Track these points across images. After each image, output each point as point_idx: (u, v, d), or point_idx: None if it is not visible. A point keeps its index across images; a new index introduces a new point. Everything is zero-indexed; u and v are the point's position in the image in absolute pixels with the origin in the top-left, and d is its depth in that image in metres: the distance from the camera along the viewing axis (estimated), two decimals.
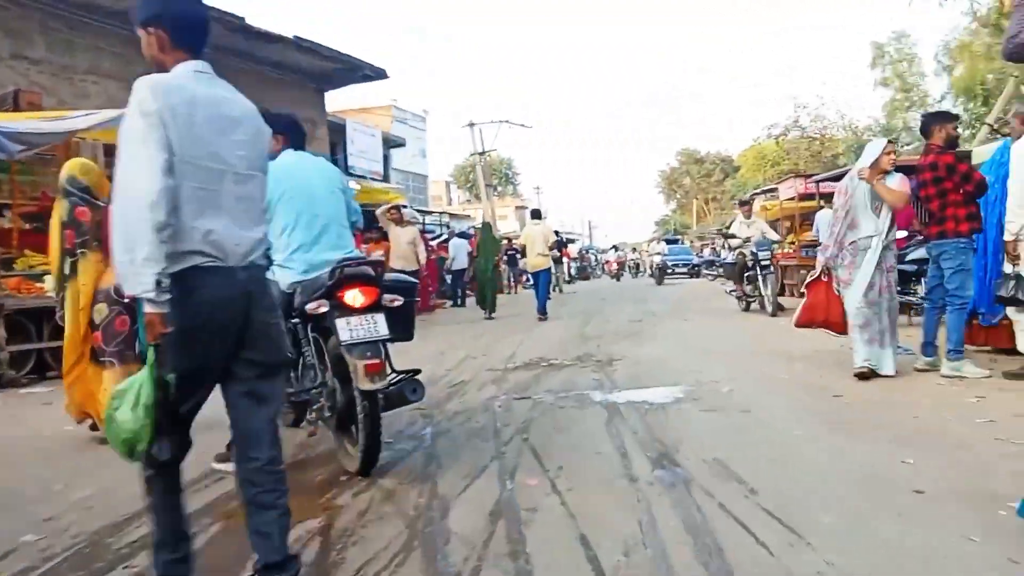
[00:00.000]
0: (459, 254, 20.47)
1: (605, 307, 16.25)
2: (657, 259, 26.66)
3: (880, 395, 5.55)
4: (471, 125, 28.82)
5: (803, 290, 6.75)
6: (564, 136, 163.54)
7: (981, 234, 6.44)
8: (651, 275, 27.87)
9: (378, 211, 11.40)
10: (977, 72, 23.21)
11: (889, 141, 6.25)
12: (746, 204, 13.97)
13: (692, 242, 50.33)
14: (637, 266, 35.64)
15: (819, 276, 6.40)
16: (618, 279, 35.75)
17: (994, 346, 6.92)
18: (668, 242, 34.50)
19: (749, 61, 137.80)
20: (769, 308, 11.33)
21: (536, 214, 15.48)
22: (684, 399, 5.76)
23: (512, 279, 24.60)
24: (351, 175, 31.54)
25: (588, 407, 5.65)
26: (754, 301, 12.31)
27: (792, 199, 16.77)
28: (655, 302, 17.02)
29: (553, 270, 19.30)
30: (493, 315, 15.03)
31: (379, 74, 19.75)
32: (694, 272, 32.32)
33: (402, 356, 4.56)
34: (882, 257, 5.99)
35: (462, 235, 22.22)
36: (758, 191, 22.46)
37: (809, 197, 16.02)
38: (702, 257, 34.70)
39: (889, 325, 6.10)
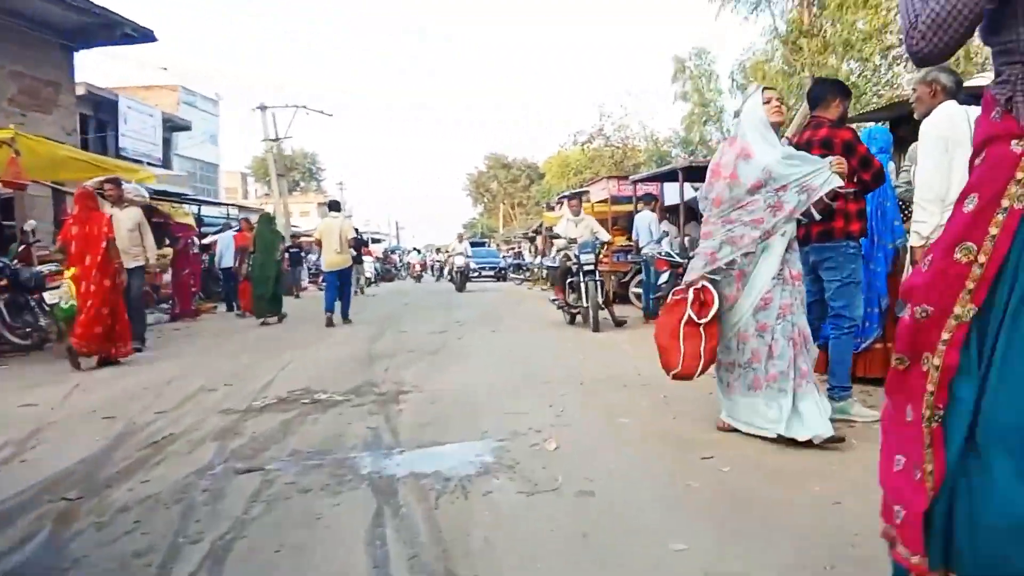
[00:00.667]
0: (226, 251, 17.41)
1: (406, 313, 14.08)
2: (459, 260, 22.01)
3: (772, 456, 3.87)
4: (262, 108, 25.56)
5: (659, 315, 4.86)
6: (370, 129, 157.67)
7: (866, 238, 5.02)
8: (450, 279, 24.51)
9: (87, 183, 8.50)
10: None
11: (766, 88, 4.52)
12: (575, 198, 11.92)
13: (499, 245, 49.57)
14: (442, 269, 33.08)
15: (682, 298, 4.42)
16: (418, 280, 34.36)
17: (865, 375, 5.55)
18: (473, 244, 32.86)
19: (559, 67, 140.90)
20: (591, 321, 9.60)
21: (334, 206, 13.09)
22: (494, 468, 3.77)
23: (295, 280, 21.57)
24: (123, 157, 27.21)
25: (348, 488, 3.51)
26: (579, 312, 10.47)
27: (604, 201, 15.56)
28: (461, 308, 15.08)
29: (354, 271, 16.95)
30: (269, 321, 12.50)
31: (144, 35, 16.29)
32: (501, 275, 31.04)
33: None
34: (785, 261, 4.21)
35: (226, 229, 19.15)
36: (566, 193, 21.33)
37: (624, 200, 14.88)
38: (508, 260, 33.55)
39: (803, 360, 4.09)
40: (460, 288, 21.38)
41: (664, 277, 9.22)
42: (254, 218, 26.45)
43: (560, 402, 5.34)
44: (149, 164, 28.89)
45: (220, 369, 7.26)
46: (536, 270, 24.36)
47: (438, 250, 24.44)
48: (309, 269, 28.21)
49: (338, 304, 11.94)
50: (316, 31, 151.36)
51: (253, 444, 4.33)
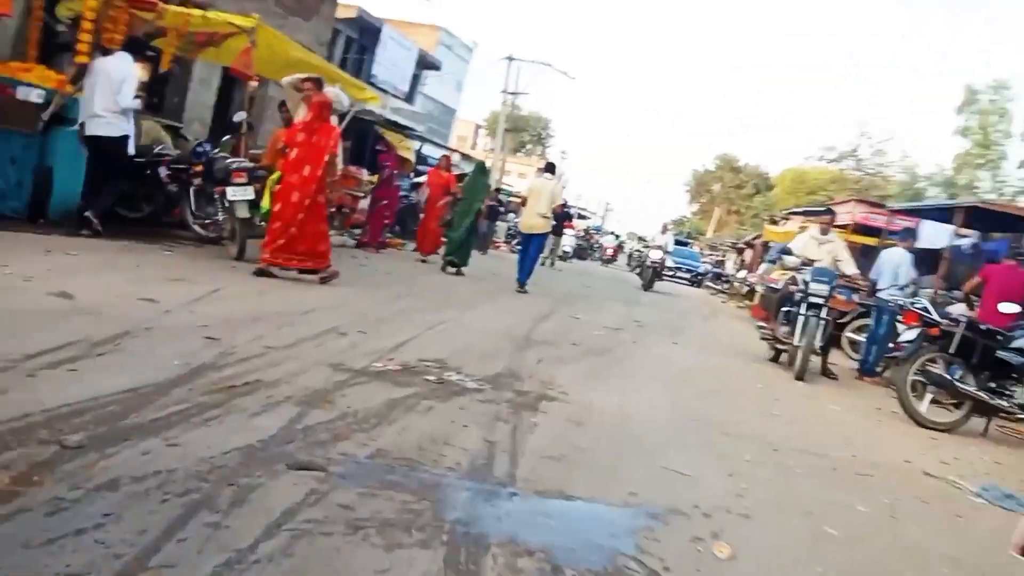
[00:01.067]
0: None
1: (585, 298, 12.84)
2: (655, 254, 18.20)
3: None
4: (509, 59, 25.16)
5: None
6: (604, 103, 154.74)
7: None
8: (636, 271, 21.31)
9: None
10: None
11: None
12: (828, 215, 9.61)
13: (702, 249, 46.84)
14: (640, 259, 31.00)
15: None
16: (606, 264, 33.15)
17: None
18: (676, 242, 30.81)
19: (818, 76, 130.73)
20: (796, 366, 7.76)
21: (550, 167, 12.04)
22: (630, 571, 2.49)
23: (488, 234, 20.83)
24: (372, 84, 28.02)
25: (414, 539, 2.37)
26: (786, 350, 8.57)
27: (844, 227, 13.30)
28: (645, 307, 13.59)
29: (549, 241, 15.94)
30: (448, 270, 11.87)
31: None
32: (696, 280, 28.94)
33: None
34: None
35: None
36: (799, 209, 18.88)
37: (870, 231, 12.61)
38: (707, 266, 31.24)
39: None
40: (647, 285, 17.97)
41: (910, 335, 7.30)
42: (459, 163, 26.24)
43: (743, 473, 3.89)
44: (393, 95, 29.71)
45: (366, 312, 6.45)
46: (737, 284, 22.15)
47: (640, 239, 22.31)
48: (508, 229, 27.76)
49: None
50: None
51: (336, 425, 3.31)
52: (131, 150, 7.94)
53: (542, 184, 11.62)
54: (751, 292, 19.84)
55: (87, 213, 7.64)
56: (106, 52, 7.75)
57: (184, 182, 8.71)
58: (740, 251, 33.93)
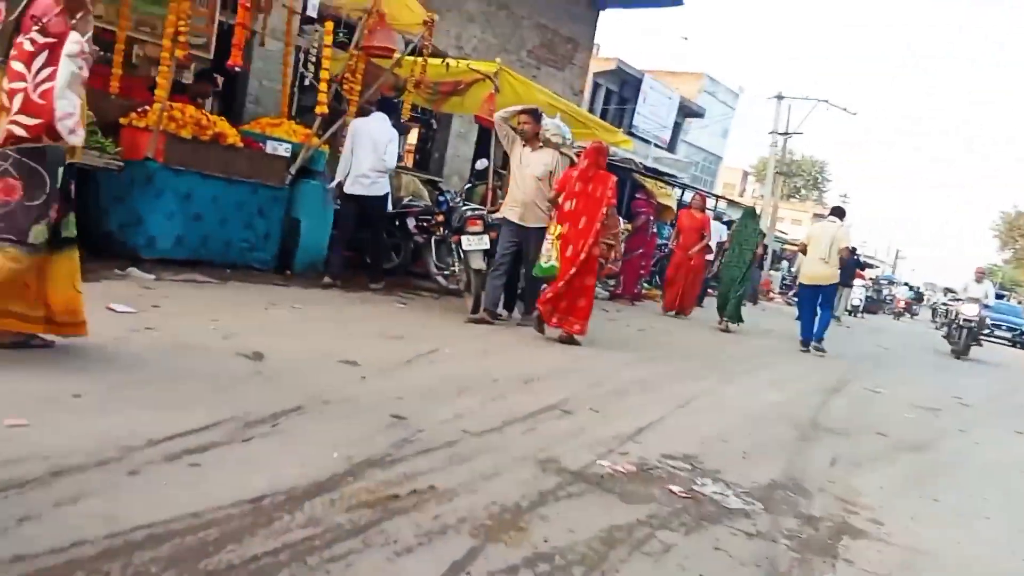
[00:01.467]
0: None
1: (883, 365, 10.47)
2: (970, 309, 13.35)
3: None
4: (779, 98, 22.95)
5: None
6: (889, 141, 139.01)
7: None
8: (945, 333, 14.94)
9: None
10: None
11: None
12: None
13: (1020, 302, 39.43)
14: (947, 315, 25.32)
15: None
16: (898, 318, 29.54)
17: None
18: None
19: None
20: None
21: (837, 211, 10.16)
22: None
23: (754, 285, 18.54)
24: (632, 134, 27.45)
25: None
26: None
27: None
28: (965, 376, 10.85)
29: (839, 292, 13.57)
30: (729, 328, 10.51)
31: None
32: (1020, 340, 23.91)
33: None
34: None
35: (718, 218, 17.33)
36: None
37: None
38: None
39: None
40: (961, 351, 13.41)
41: None
42: (727, 210, 24.27)
43: None
44: (656, 146, 28.85)
45: (605, 379, 5.29)
46: None
47: (948, 291, 18.30)
48: (783, 278, 25.23)
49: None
50: (850, 23, 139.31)
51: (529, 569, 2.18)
52: (389, 207, 8.15)
53: (824, 228, 9.82)
54: None
55: (326, 277, 7.55)
56: (364, 113, 7.85)
57: (428, 232, 8.44)
58: None
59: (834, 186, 64.68)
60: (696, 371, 6.44)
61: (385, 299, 7.25)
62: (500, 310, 7.07)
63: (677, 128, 31.45)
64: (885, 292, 32.14)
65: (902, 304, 31.02)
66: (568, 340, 6.50)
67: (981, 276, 14.47)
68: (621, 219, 13.65)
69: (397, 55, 7.86)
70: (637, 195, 16.26)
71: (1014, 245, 51.19)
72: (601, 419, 4.14)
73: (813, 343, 9.50)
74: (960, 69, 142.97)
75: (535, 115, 6.97)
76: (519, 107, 7.08)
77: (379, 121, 7.69)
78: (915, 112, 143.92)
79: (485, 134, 15.61)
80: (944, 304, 20.35)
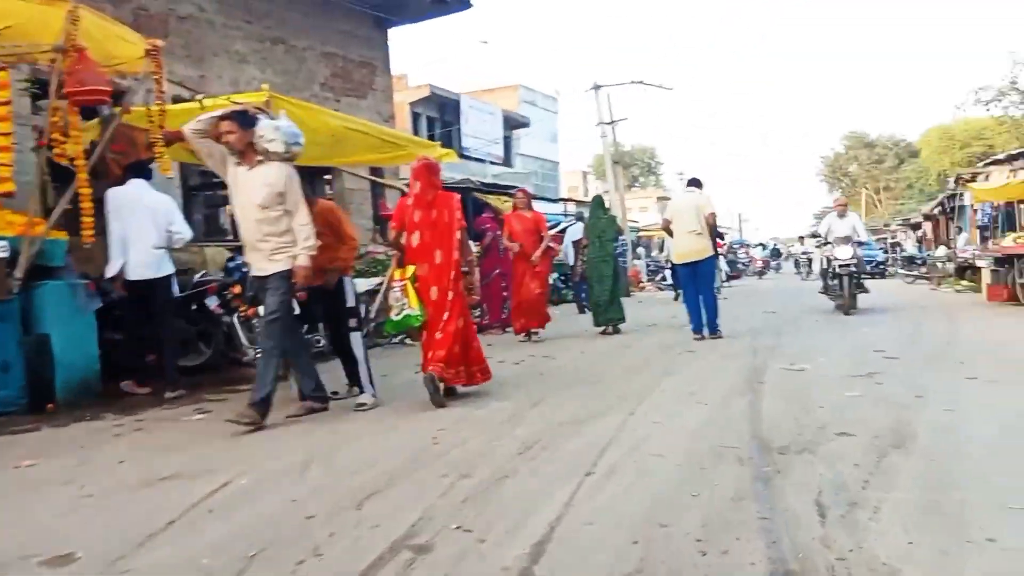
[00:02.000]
0: (567, 246, 15.18)
1: (780, 331, 9.42)
2: (844, 252, 10.73)
3: None
4: (596, 88, 22.43)
5: None
6: (709, 111, 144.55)
7: None
8: (823, 288, 12.08)
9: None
10: None
11: None
12: None
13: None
14: (809, 263, 24.15)
15: None
16: (761, 276, 29.76)
17: None
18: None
19: (938, 21, 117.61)
20: None
21: (696, 183, 9.09)
22: None
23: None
24: (465, 157, 26.33)
25: None
26: None
27: None
28: (865, 325, 9.93)
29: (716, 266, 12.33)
30: (609, 329, 9.50)
31: (460, 3, 14.04)
32: (880, 271, 24.52)
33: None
34: None
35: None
36: (1001, 155, 14.72)
37: None
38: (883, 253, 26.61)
39: None
40: (849, 305, 10.68)
41: None
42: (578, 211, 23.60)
43: None
44: (492, 163, 27.91)
45: (480, 457, 3.72)
46: (941, 265, 17.82)
47: (813, 236, 17.97)
48: (648, 265, 24.79)
49: None
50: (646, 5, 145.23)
51: None
52: (176, 289, 6.51)
53: (684, 200, 8.85)
54: (964, 269, 15.73)
55: (124, 383, 6.13)
56: (117, 182, 6.21)
57: (232, 309, 6.71)
58: (915, 227, 29.09)
59: (667, 168, 66.66)
60: (595, 404, 5.02)
61: (178, 413, 5.38)
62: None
63: (508, 142, 30.80)
64: (742, 255, 32.70)
65: (760, 263, 31.63)
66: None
67: (843, 209, 11.81)
68: (472, 242, 12.34)
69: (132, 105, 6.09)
70: (484, 213, 15.07)
71: (840, 184, 54.45)
72: (475, 546, 2.59)
73: (707, 332, 8.42)
74: (756, 32, 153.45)
75: (243, 120, 4.85)
76: (218, 112, 4.99)
77: (141, 188, 6.17)
78: (729, 79, 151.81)
79: (307, 174, 13.86)
80: (806, 253, 20.23)
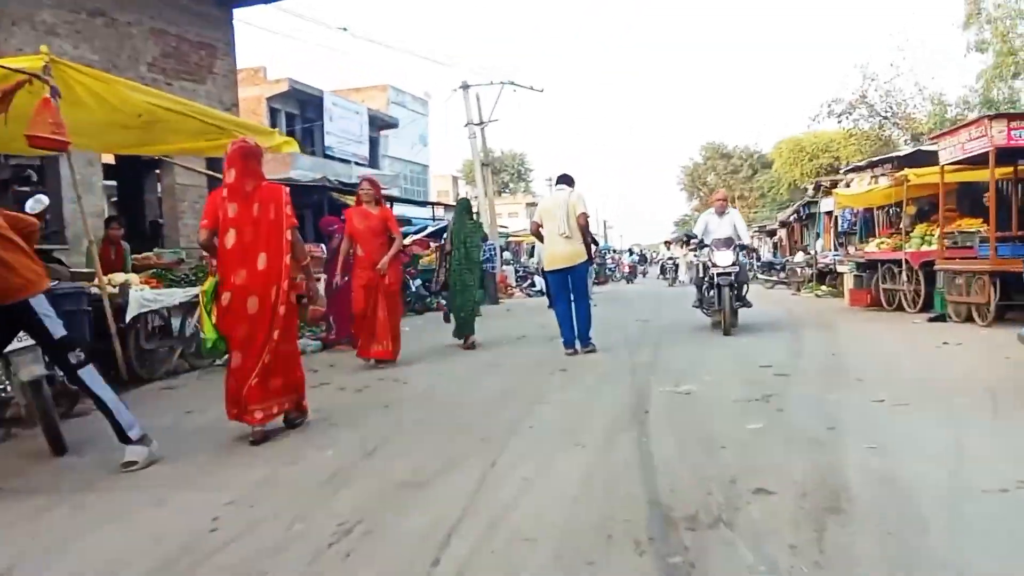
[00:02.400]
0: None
1: (656, 344, 8.75)
2: (724, 258, 8.78)
3: None
4: (464, 88, 21.37)
5: None
6: (577, 118, 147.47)
7: None
8: (698, 301, 10.06)
9: None
10: None
11: None
12: None
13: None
14: (676, 269, 24.51)
15: None
16: (629, 281, 29.83)
17: None
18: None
19: (790, 39, 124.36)
20: None
21: (567, 179, 7.96)
22: None
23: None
24: (328, 156, 24.62)
25: None
26: None
27: (960, 163, 9.38)
28: (741, 334, 9.45)
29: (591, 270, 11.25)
30: (467, 343, 8.57)
31: None
32: (782, 280, 25.08)
33: None
34: None
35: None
36: (862, 163, 14.90)
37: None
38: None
39: None
40: (729, 323, 8.74)
41: None
42: (444, 216, 22.52)
43: None
44: (357, 164, 26.29)
45: (286, 522, 2.56)
46: (801, 271, 18.05)
47: (687, 240, 17.84)
48: (516, 271, 24.06)
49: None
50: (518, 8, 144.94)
51: None
52: None
53: (555, 199, 7.91)
54: (824, 275, 15.87)
55: None
56: None
57: None
58: (771, 233, 29.99)
59: (537, 174, 66.82)
60: (448, 448, 3.92)
61: None
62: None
63: (375, 143, 29.37)
64: (609, 260, 32.80)
65: (628, 268, 31.84)
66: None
67: (723, 205, 9.60)
68: (322, 246, 10.92)
69: None
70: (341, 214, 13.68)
71: (699, 193, 56.31)
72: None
73: (579, 346, 7.54)
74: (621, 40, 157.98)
75: None
76: None
77: None
78: (587, 88, 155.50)
79: (131, 167, 11.97)
80: (671, 259, 20.06)
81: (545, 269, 8.08)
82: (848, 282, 12.72)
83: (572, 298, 7.66)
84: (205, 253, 6.24)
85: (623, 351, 7.69)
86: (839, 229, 15.94)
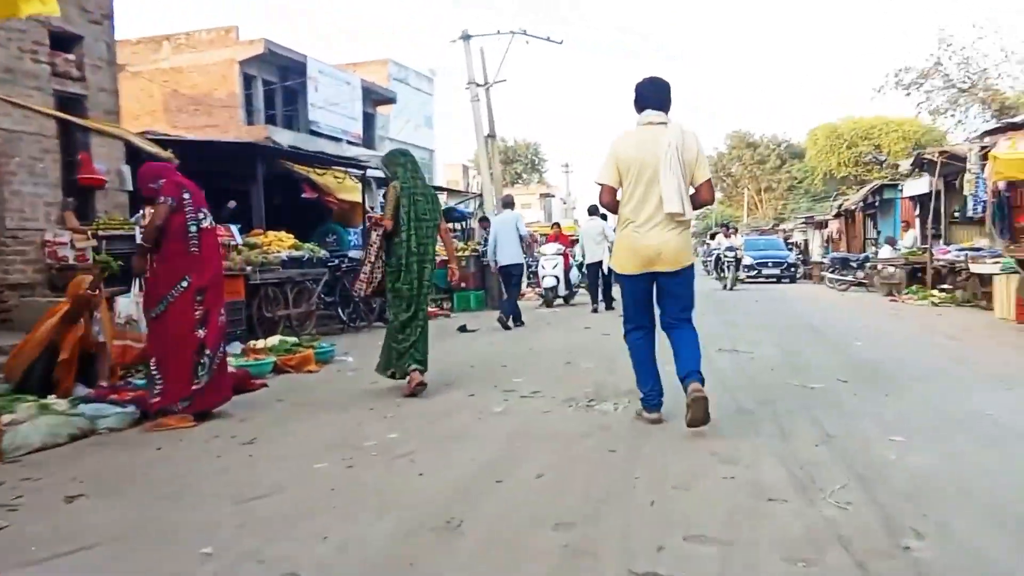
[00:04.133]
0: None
1: (811, 403, 4.66)
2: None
3: None
4: (465, 39, 17.10)
5: None
6: (594, 103, 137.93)
7: None
8: (722, 280, 15.69)
9: None
10: None
11: None
12: None
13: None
14: (737, 262, 17.18)
15: None
16: None
17: None
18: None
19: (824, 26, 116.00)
20: None
21: (661, 100, 3.92)
22: None
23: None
24: (314, 133, 20.56)
25: None
26: None
27: None
28: (797, 342, 5.16)
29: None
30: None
31: None
32: (790, 274, 20.72)
33: None
34: None
35: None
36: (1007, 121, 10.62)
37: None
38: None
39: None
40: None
41: None
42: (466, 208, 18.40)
43: None
44: (349, 143, 22.16)
45: None
46: (895, 270, 13.65)
47: (714, 235, 14.82)
48: (529, 266, 19.89)
49: None
50: None
51: None
52: None
53: (657, 139, 3.85)
54: (914, 274, 11.64)
55: None
56: None
57: None
58: (821, 225, 25.66)
59: (551, 164, 62.51)
60: None
61: None
62: None
63: (370, 120, 25.14)
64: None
65: None
66: None
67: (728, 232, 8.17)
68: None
69: None
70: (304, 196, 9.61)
71: (723, 184, 51.84)
72: None
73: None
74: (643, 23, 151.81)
75: None
76: None
77: None
78: (622, 68, 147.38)
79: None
80: (731, 250, 15.50)
81: (619, 271, 3.94)
82: (1010, 286, 8.49)
83: (662, 321, 3.79)
84: None
85: (768, 426, 3.58)
86: (967, 214, 11.67)
